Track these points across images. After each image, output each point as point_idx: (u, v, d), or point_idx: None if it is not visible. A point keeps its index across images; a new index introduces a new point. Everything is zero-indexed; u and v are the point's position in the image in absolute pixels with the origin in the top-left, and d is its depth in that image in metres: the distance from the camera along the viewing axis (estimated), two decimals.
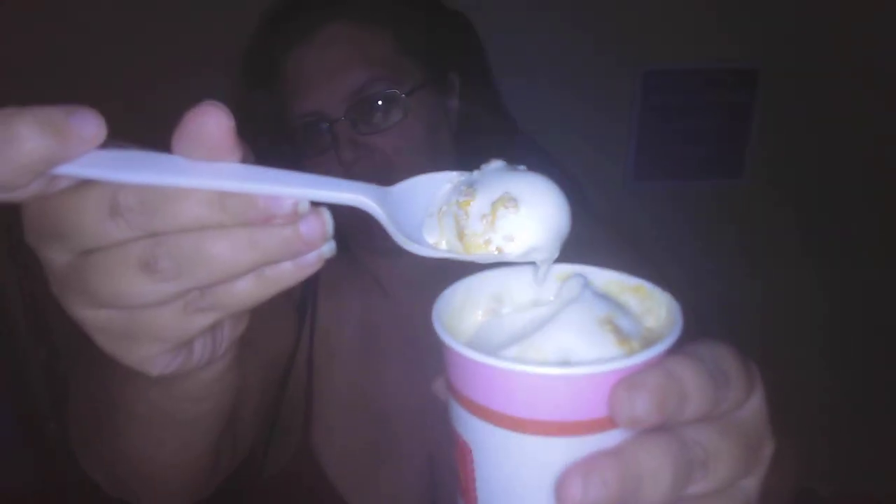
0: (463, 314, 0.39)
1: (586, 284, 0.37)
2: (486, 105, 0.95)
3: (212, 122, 0.32)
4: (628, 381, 0.31)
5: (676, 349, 0.34)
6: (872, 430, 2.12)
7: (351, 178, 0.72)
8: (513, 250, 0.35)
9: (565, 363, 0.33)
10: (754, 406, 0.38)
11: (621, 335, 0.34)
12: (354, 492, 0.88)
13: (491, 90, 0.97)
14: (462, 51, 0.93)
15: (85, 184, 0.32)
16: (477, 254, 0.36)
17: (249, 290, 0.35)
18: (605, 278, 0.39)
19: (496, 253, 0.35)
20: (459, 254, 0.36)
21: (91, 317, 0.35)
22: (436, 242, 0.37)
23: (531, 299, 0.39)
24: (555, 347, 0.33)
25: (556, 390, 0.31)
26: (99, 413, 0.54)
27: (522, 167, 0.38)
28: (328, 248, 0.35)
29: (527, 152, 1.19)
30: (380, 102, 0.82)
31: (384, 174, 0.82)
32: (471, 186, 0.36)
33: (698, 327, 0.86)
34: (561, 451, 0.31)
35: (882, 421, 2.11)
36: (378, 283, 0.92)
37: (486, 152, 0.93)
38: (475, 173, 0.38)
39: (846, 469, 2.17)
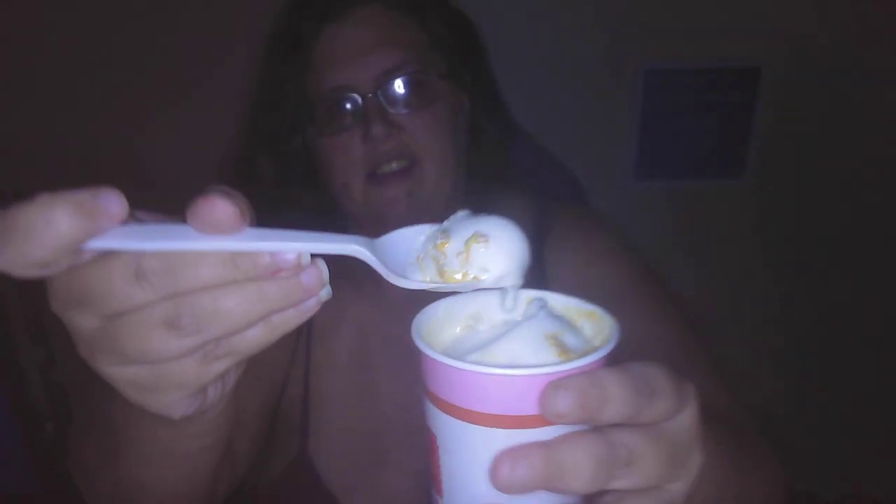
0: (444, 328, 0.45)
1: (544, 306, 0.43)
2: (489, 105, 0.96)
3: (219, 210, 0.36)
4: (555, 382, 0.36)
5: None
6: (874, 432, 2.12)
7: (376, 156, 0.75)
8: (487, 278, 0.41)
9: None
10: (683, 420, 0.41)
11: (563, 348, 0.40)
12: (351, 496, 0.88)
13: (493, 91, 0.97)
14: (472, 50, 0.95)
15: (109, 254, 0.36)
16: (457, 284, 0.42)
17: (259, 337, 0.39)
18: (566, 303, 0.45)
19: (473, 281, 0.41)
20: (442, 284, 0.42)
21: (120, 373, 0.39)
22: None
23: (504, 319, 0.45)
24: (506, 356, 0.39)
25: (500, 388, 0.36)
26: (106, 448, 0.56)
27: (484, 214, 0.44)
28: (325, 293, 0.40)
29: (527, 151, 1.19)
30: (413, 83, 0.84)
31: (408, 155, 0.84)
32: (444, 232, 0.42)
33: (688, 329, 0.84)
34: (504, 442, 0.36)
35: (883, 422, 2.11)
36: (377, 287, 0.92)
37: (488, 152, 0.93)
38: (445, 223, 0.43)
39: (847, 471, 2.17)
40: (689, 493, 0.41)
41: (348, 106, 0.83)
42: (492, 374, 0.36)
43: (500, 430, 0.37)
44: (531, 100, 1.01)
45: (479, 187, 0.96)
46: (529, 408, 0.36)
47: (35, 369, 1.80)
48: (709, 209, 1.85)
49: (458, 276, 0.41)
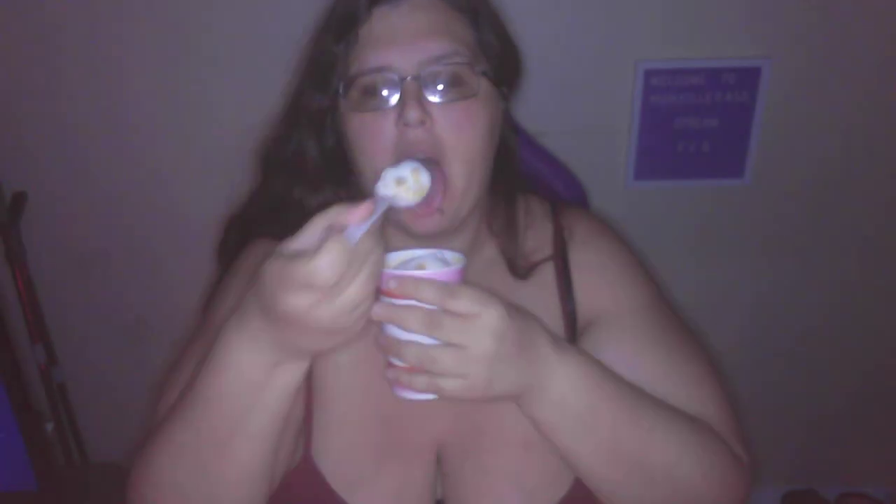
0: (398, 261, 0.77)
1: (433, 254, 0.76)
2: (511, 117, 0.98)
3: (364, 208, 0.64)
4: (392, 276, 0.70)
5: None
6: (874, 431, 2.12)
7: (406, 142, 0.85)
8: (425, 184, 0.75)
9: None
10: (484, 319, 0.69)
11: (423, 270, 0.73)
12: (357, 492, 0.88)
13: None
14: (514, 70, 0.96)
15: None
16: (421, 192, 0.75)
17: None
18: (457, 257, 0.78)
19: (424, 187, 0.75)
20: (414, 197, 0.75)
21: (343, 320, 0.63)
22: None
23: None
24: (401, 270, 0.74)
25: (385, 275, 0.70)
26: (217, 440, 0.73)
27: (401, 164, 0.76)
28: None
29: (528, 151, 1.19)
30: (456, 74, 0.83)
31: (437, 151, 0.83)
32: (399, 179, 0.74)
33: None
34: (381, 301, 0.71)
35: (884, 422, 2.11)
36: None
37: (507, 160, 0.96)
38: (388, 177, 0.74)
39: (847, 471, 2.17)
40: (491, 358, 0.69)
41: (387, 87, 0.83)
42: (385, 272, 0.71)
43: (384, 297, 0.71)
44: (530, 99, 1.01)
45: (500, 192, 0.97)
46: (387, 287, 0.71)
47: (35, 369, 1.80)
48: (709, 209, 1.85)
49: (417, 189, 0.75)
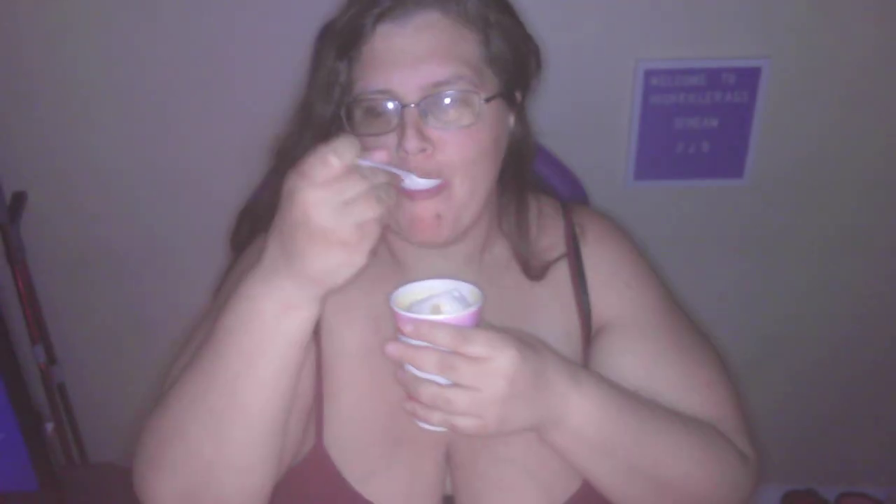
0: (408, 298, 0.80)
1: (450, 291, 0.79)
2: (527, 120, 0.97)
3: (381, 153, 0.72)
4: (407, 318, 0.73)
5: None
6: (874, 431, 2.12)
7: (404, 167, 0.84)
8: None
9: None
10: (496, 363, 0.71)
11: (437, 312, 0.76)
12: (368, 482, 0.88)
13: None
14: (529, 72, 0.94)
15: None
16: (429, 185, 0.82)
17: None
18: (476, 293, 0.78)
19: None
20: (424, 184, 0.82)
21: (351, 229, 0.66)
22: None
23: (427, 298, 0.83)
24: (416, 311, 0.76)
25: (398, 318, 0.74)
26: (215, 392, 0.74)
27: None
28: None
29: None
30: (458, 101, 0.82)
31: (438, 174, 0.82)
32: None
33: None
34: (398, 340, 0.75)
35: (884, 422, 2.11)
36: (388, 282, 0.92)
37: (521, 163, 1.00)
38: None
39: (847, 471, 2.17)
40: (504, 399, 0.71)
41: (387, 111, 0.82)
42: (396, 312, 0.75)
43: (400, 336, 0.74)
44: (529, 99, 1.01)
45: (511, 193, 0.97)
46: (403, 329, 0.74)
47: (35, 369, 1.80)
48: (709, 209, 1.85)
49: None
